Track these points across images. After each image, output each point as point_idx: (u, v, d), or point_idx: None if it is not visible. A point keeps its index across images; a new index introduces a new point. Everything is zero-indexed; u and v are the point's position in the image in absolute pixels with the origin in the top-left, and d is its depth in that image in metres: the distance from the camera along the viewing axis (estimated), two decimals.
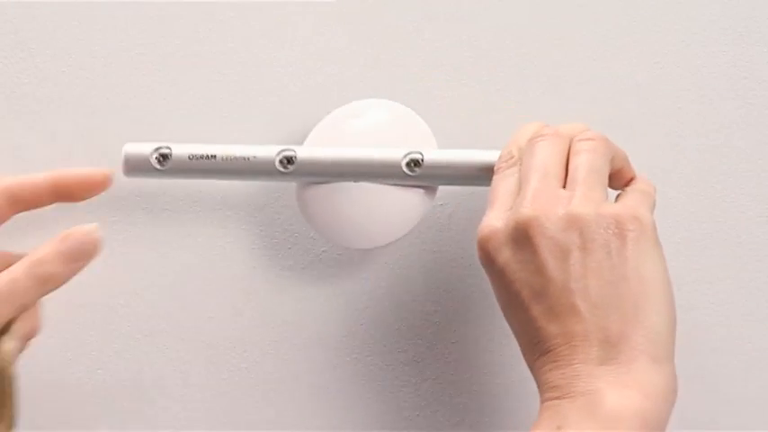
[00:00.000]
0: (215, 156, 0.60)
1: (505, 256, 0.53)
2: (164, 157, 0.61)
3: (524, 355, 0.54)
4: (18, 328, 0.56)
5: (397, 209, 0.62)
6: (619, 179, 0.58)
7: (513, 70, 0.64)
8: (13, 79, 0.65)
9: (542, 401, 0.52)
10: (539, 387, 0.52)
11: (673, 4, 0.63)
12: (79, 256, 0.55)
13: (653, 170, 0.61)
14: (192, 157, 0.61)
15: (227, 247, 0.65)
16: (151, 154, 0.61)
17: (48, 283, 0.55)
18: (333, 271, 0.65)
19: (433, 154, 0.61)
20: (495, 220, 0.54)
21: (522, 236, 0.52)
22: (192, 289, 0.65)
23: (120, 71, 0.64)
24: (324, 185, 0.61)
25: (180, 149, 0.61)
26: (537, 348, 0.52)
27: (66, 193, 0.59)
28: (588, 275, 0.51)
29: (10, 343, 0.55)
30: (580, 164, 0.55)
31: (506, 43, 0.64)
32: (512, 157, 0.57)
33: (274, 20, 0.64)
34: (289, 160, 0.60)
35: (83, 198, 0.60)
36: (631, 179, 0.59)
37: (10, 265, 0.56)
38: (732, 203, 0.63)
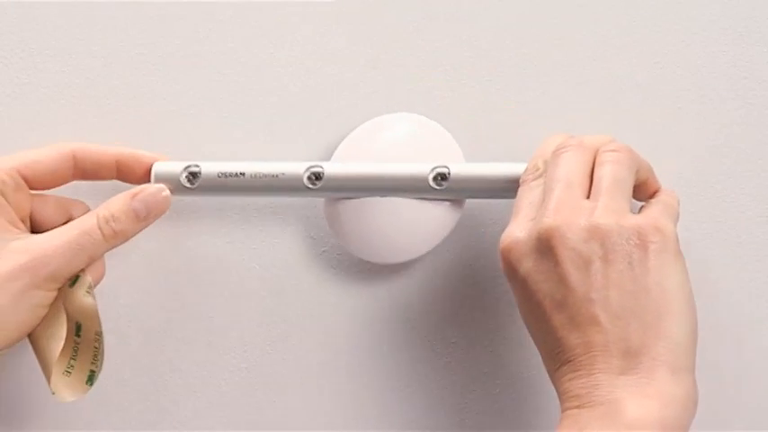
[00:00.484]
0: (243, 173, 0.61)
1: (527, 265, 0.53)
2: (193, 176, 0.61)
3: (545, 364, 0.54)
4: (89, 280, 0.58)
5: (425, 223, 0.62)
6: (644, 191, 0.59)
7: (512, 70, 0.64)
8: (13, 79, 0.65)
9: (563, 410, 0.52)
10: (559, 396, 0.52)
11: (673, 4, 0.63)
12: (149, 215, 0.59)
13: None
14: (221, 175, 0.61)
15: (226, 248, 0.65)
16: (181, 173, 0.61)
17: (117, 237, 0.58)
18: (333, 271, 0.65)
19: (460, 168, 0.61)
20: (518, 230, 0.54)
21: (545, 246, 0.53)
22: (191, 289, 0.65)
23: (120, 71, 0.64)
24: (352, 200, 0.62)
25: (209, 168, 0.61)
26: (558, 358, 0.52)
27: (128, 172, 0.61)
28: (609, 286, 0.52)
29: (89, 298, 0.57)
30: (604, 174, 0.55)
31: (506, 43, 0.64)
32: (537, 170, 0.57)
33: (274, 20, 0.64)
34: (317, 176, 0.61)
35: (142, 182, 0.61)
36: (656, 191, 0.59)
37: (67, 210, 0.61)
38: (732, 203, 0.63)
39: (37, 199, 0.61)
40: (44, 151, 0.60)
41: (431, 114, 0.63)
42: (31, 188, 0.60)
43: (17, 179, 0.59)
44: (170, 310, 0.65)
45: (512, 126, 0.64)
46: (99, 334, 0.59)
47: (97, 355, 0.58)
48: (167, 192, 0.60)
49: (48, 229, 0.60)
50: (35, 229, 0.61)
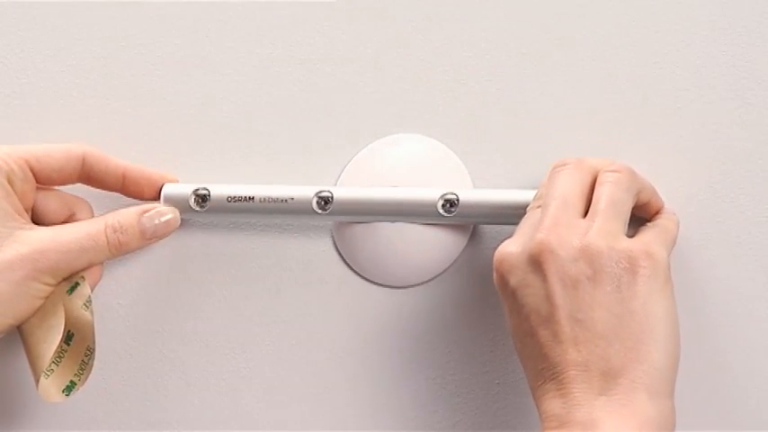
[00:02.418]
0: (252, 197, 0.61)
1: (517, 278, 0.54)
2: (202, 199, 0.62)
3: (529, 381, 0.55)
4: (88, 292, 0.59)
5: (433, 248, 0.63)
6: (647, 211, 0.60)
7: (512, 71, 0.64)
8: (13, 79, 0.65)
9: (542, 430, 0.52)
10: (540, 416, 0.53)
11: (673, 4, 0.63)
12: (154, 234, 0.60)
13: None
14: (230, 199, 0.62)
15: (227, 248, 0.65)
16: (190, 196, 0.62)
17: (120, 249, 0.59)
18: (332, 271, 0.65)
19: (468, 194, 0.61)
20: (512, 245, 0.55)
21: (535, 261, 0.53)
22: (192, 289, 0.65)
23: (121, 71, 0.65)
24: (360, 225, 0.63)
25: (218, 191, 0.62)
26: (541, 374, 0.53)
27: (134, 187, 0.62)
28: (595, 307, 0.52)
29: (86, 312, 0.58)
30: (602, 195, 0.55)
31: (506, 44, 0.64)
32: (542, 198, 0.57)
33: (274, 20, 0.64)
34: (326, 201, 0.61)
35: (145, 198, 0.62)
36: (659, 210, 0.60)
37: (70, 207, 0.62)
38: (732, 203, 0.63)
39: (42, 192, 0.61)
40: (55, 148, 0.60)
41: (433, 131, 0.64)
42: (36, 181, 0.60)
43: (25, 170, 0.59)
44: (170, 310, 0.65)
45: (507, 126, 0.64)
46: (90, 350, 0.59)
47: (83, 369, 0.58)
48: (176, 216, 0.61)
49: (48, 223, 0.60)
50: (36, 221, 0.61)
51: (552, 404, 0.52)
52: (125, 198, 0.62)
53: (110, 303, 0.65)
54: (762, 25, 0.63)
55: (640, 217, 0.61)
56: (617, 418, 0.50)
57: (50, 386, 0.57)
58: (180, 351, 0.65)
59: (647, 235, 0.57)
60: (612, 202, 0.55)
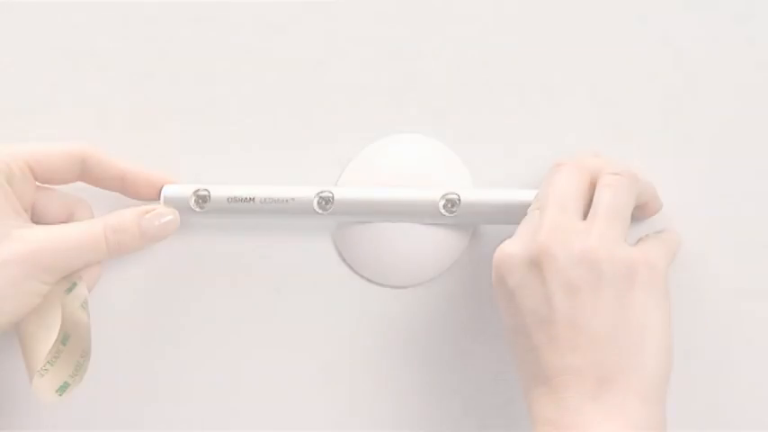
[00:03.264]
0: (253, 198, 0.61)
1: (515, 280, 0.54)
2: (202, 200, 0.62)
3: (521, 383, 0.55)
4: (85, 293, 0.59)
5: (434, 248, 0.63)
6: (645, 211, 0.60)
7: (512, 71, 0.64)
8: (14, 79, 0.65)
9: None
10: (531, 419, 0.53)
11: (673, 5, 0.63)
12: (154, 236, 0.60)
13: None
14: (230, 200, 0.61)
15: (227, 248, 0.65)
16: (190, 197, 0.62)
17: (119, 249, 0.59)
18: (332, 271, 0.65)
19: (470, 194, 0.61)
20: (513, 245, 0.55)
21: (535, 263, 0.53)
22: (192, 289, 0.65)
23: (120, 71, 0.65)
24: (361, 225, 0.62)
25: (218, 191, 0.62)
26: (534, 378, 0.53)
27: (133, 189, 0.62)
28: (593, 313, 0.52)
29: (83, 314, 0.58)
30: (603, 199, 0.55)
31: (506, 43, 0.64)
32: None
33: (274, 19, 0.64)
34: (326, 201, 0.61)
35: (144, 199, 0.62)
36: (657, 211, 0.61)
37: (70, 207, 0.62)
38: (732, 203, 0.63)
39: (41, 192, 0.61)
40: (55, 148, 0.60)
41: (433, 131, 0.64)
42: (36, 180, 0.60)
43: (25, 170, 0.59)
44: (170, 310, 0.65)
45: (514, 132, 0.64)
46: (86, 352, 0.58)
47: (78, 370, 0.58)
48: (176, 217, 0.61)
49: (48, 223, 0.60)
50: (36, 221, 0.61)
51: (545, 408, 0.52)
52: (125, 198, 0.62)
53: (110, 303, 0.65)
54: (762, 25, 0.63)
55: (638, 217, 0.61)
56: (610, 423, 0.50)
57: (44, 386, 0.57)
58: (180, 351, 0.65)
59: (648, 245, 0.57)
60: (613, 207, 0.55)
